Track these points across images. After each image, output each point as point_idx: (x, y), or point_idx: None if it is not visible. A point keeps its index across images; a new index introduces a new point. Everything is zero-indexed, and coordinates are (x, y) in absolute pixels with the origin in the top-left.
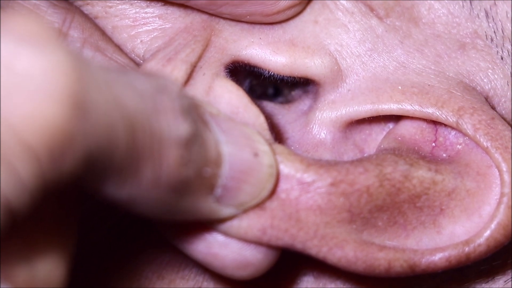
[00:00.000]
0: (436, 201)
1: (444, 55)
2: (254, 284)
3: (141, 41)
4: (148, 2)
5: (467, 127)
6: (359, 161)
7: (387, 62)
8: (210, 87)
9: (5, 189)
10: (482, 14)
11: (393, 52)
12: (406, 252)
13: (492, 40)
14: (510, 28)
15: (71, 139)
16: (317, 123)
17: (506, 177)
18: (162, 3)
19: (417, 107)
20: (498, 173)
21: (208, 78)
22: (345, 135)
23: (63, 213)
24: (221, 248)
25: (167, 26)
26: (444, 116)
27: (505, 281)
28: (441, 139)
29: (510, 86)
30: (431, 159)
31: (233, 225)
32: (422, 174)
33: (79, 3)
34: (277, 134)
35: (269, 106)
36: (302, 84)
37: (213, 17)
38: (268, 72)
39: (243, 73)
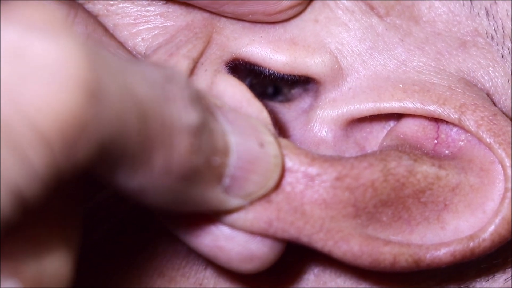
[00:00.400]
0: (440, 196)
1: (445, 53)
2: (255, 282)
3: (142, 38)
4: (150, 0)
5: (470, 123)
6: (364, 156)
7: (387, 61)
8: (212, 82)
9: (16, 177)
10: (483, 12)
11: (393, 50)
12: (411, 247)
13: (492, 38)
14: (511, 26)
15: (85, 127)
16: (318, 121)
17: (510, 172)
18: (164, 2)
19: (418, 105)
20: (501, 169)
21: (210, 74)
22: (346, 133)
23: (69, 209)
24: (227, 241)
25: (168, 24)
26: (446, 113)
27: (505, 280)
28: (443, 136)
29: (510, 84)
30: (434, 156)
31: (240, 217)
32: (426, 169)
33: (80, 1)
34: (279, 132)
35: (269, 104)
36: (302, 83)
37: (215, 15)
38: (268, 70)
39: (244, 72)
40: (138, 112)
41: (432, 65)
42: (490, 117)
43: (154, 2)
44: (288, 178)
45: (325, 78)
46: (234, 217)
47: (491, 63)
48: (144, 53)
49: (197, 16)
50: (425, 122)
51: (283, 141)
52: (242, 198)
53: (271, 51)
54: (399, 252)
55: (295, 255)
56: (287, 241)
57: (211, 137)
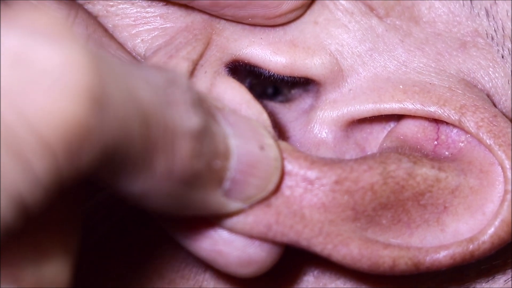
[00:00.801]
0: (440, 198)
1: (445, 53)
2: (255, 284)
3: (142, 40)
4: (149, 2)
5: (470, 125)
6: (363, 159)
7: (388, 62)
8: (212, 84)
9: (19, 184)
10: (483, 12)
11: (393, 51)
12: (411, 250)
13: (492, 38)
14: (511, 26)
15: (89, 134)
16: (318, 122)
17: (510, 174)
18: (164, 3)
19: (419, 106)
20: (501, 171)
21: (209, 76)
22: (347, 134)
23: (69, 213)
24: (225, 245)
25: (168, 25)
26: (446, 115)
27: (505, 280)
28: (443, 137)
29: (510, 84)
30: (434, 157)
31: (239, 221)
32: (425, 171)
33: (80, 1)
34: (279, 133)
35: (270, 105)
36: (303, 84)
37: (214, 17)
38: (268, 72)
39: (243, 73)
40: (140, 117)
41: (433, 66)
42: (490, 119)
43: (154, 4)
44: (288, 182)
45: (325, 80)
46: (234, 221)
47: (491, 64)
48: (144, 54)
49: (197, 18)
50: (425, 123)
51: (283, 144)
52: (242, 201)
53: (271, 53)
54: (398, 255)
55: (295, 257)
56: (287, 244)
57: (212, 140)
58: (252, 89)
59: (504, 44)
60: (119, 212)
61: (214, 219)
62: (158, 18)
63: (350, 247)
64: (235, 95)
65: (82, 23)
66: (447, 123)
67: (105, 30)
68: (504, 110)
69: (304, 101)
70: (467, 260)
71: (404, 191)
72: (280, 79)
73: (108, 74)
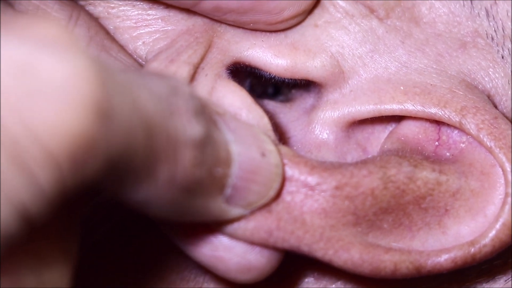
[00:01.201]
0: (441, 201)
1: (445, 54)
2: (255, 285)
3: (143, 42)
4: (151, 4)
5: (470, 126)
6: (363, 163)
7: (388, 63)
8: (213, 88)
9: (23, 195)
10: (483, 13)
11: (394, 52)
12: (412, 253)
13: (492, 39)
14: (511, 27)
15: (94, 146)
16: (320, 123)
17: (510, 177)
18: (165, 6)
19: (419, 108)
20: (502, 173)
21: (210, 79)
22: (348, 134)
23: (69, 219)
24: (225, 251)
25: (169, 28)
26: (447, 116)
27: (505, 280)
28: (444, 138)
29: (511, 85)
30: (435, 159)
31: (240, 227)
32: (426, 175)
33: (82, 2)
34: (279, 134)
35: (270, 104)
36: (304, 85)
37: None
38: (269, 74)
39: (244, 73)
40: (144, 127)
41: (433, 66)
42: (491, 121)
43: (155, 6)
44: (288, 188)
45: (326, 82)
46: (235, 227)
47: (491, 64)
48: (145, 57)
49: (198, 21)
50: (426, 124)
51: (283, 149)
52: (243, 207)
53: (272, 56)
54: (399, 260)
55: (296, 260)
56: (288, 251)
57: (214, 148)
58: (252, 89)
59: (504, 44)
60: (119, 213)
61: (215, 225)
62: (160, 20)
63: (351, 252)
64: (235, 99)
65: (84, 25)
66: (448, 124)
67: (107, 32)
68: (504, 111)
69: (305, 101)
70: (468, 263)
71: (404, 195)
72: (281, 80)
73: (113, 86)
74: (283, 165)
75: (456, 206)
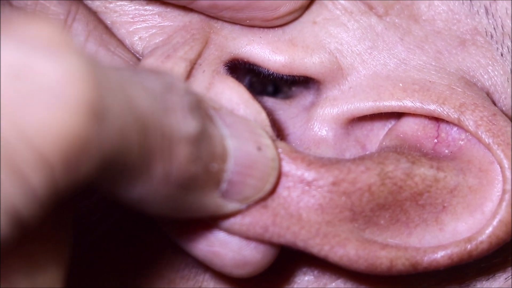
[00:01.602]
0: (438, 198)
1: (444, 52)
2: (254, 284)
3: (140, 37)
4: (148, 0)
5: (469, 123)
6: (361, 159)
7: (387, 60)
8: (210, 83)
9: (15, 198)
10: (482, 10)
11: (393, 49)
12: (408, 250)
13: (492, 36)
14: (510, 24)
15: (87, 146)
16: (319, 119)
17: (508, 174)
18: (162, 1)
19: (418, 104)
20: (500, 170)
21: (208, 75)
22: (347, 131)
23: (61, 221)
24: (221, 247)
25: (166, 23)
26: (445, 113)
27: (505, 278)
28: (443, 135)
29: (510, 82)
30: (434, 156)
31: (236, 222)
32: (424, 171)
33: None
34: (278, 130)
35: (270, 101)
36: (303, 82)
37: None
38: (267, 70)
39: (243, 70)
40: (139, 126)
41: (432, 64)
42: (490, 117)
43: (152, 1)
44: (285, 183)
45: (325, 78)
46: (231, 222)
47: (490, 62)
48: (142, 52)
49: (195, 17)
50: (425, 121)
51: (281, 144)
52: (239, 202)
53: (270, 52)
54: (396, 256)
55: (296, 258)
56: (283, 246)
57: (210, 143)
58: (252, 87)
59: (503, 42)
60: (117, 212)
61: (211, 221)
62: (156, 16)
63: (347, 248)
64: (233, 95)
65: (83, 19)
66: (447, 121)
67: (106, 27)
68: (503, 108)
69: (305, 98)
70: (465, 260)
71: (402, 191)
72: (280, 77)
73: (106, 86)
74: (280, 159)
75: (454, 203)
